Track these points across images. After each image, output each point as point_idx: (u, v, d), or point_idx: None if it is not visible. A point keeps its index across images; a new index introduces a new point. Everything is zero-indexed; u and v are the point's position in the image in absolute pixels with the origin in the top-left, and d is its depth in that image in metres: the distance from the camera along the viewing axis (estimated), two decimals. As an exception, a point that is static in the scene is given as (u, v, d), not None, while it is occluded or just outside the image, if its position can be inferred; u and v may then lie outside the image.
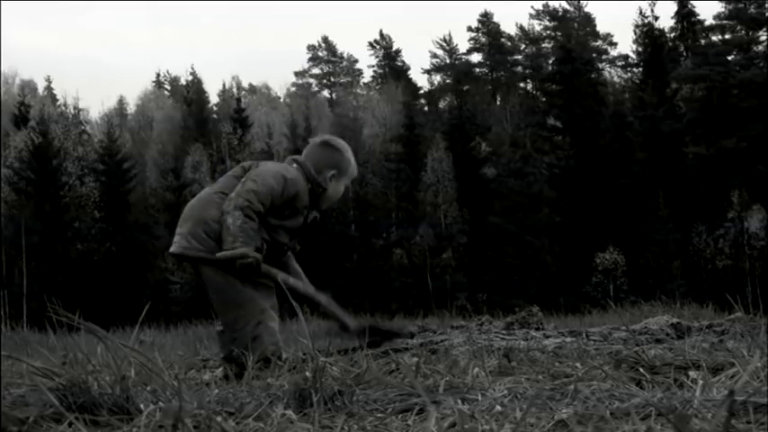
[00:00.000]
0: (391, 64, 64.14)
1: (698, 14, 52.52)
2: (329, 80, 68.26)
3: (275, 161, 3.96)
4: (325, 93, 67.78)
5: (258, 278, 3.55)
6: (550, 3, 61.17)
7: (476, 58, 62.47)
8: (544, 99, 55.23)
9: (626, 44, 75.99)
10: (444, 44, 62.50)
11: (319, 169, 3.69)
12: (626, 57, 58.13)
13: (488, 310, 22.57)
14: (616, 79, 59.49)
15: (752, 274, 42.24)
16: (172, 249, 3.64)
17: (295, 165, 3.70)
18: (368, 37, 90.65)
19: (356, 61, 67.55)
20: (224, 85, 65.76)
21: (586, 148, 48.76)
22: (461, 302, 40.11)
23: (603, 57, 60.55)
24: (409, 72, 63.87)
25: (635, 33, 53.75)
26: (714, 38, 52.45)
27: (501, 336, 5.39)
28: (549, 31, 61.43)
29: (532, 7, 79.26)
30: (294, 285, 3.64)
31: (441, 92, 62.90)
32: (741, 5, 50.20)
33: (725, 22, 51.28)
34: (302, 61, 65.03)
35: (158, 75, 69.83)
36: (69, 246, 43.48)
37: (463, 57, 62.45)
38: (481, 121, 53.30)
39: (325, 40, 68.35)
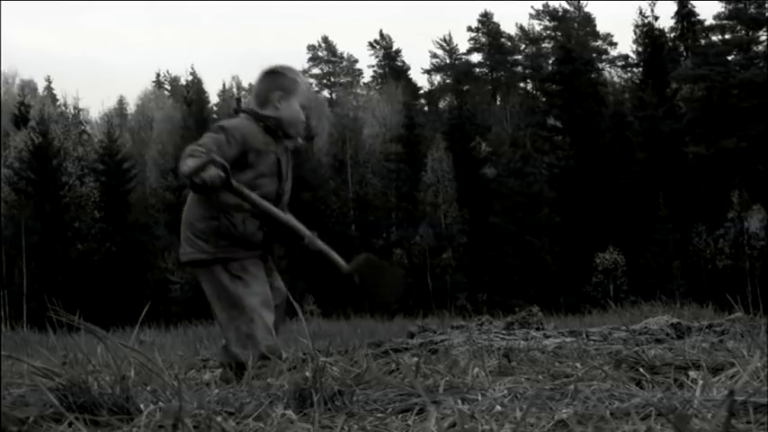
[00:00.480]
0: (391, 64, 64.14)
1: (698, 14, 52.58)
2: (329, 80, 68.22)
3: None
4: (326, 93, 67.79)
5: (233, 209, 3.45)
6: (550, 3, 61.20)
7: (476, 58, 62.53)
8: (544, 99, 55.22)
9: (626, 44, 76.00)
10: (444, 44, 62.54)
11: (264, 101, 3.62)
12: (626, 57, 58.17)
13: (488, 310, 22.57)
14: (616, 79, 59.50)
15: (752, 274, 42.25)
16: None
17: (240, 115, 3.66)
18: (368, 37, 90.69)
19: (356, 61, 67.55)
20: (224, 85, 65.82)
21: (586, 148, 48.75)
22: (461, 302, 40.13)
23: (603, 57, 60.55)
24: (409, 72, 63.91)
25: (635, 33, 53.80)
26: (714, 38, 52.46)
27: (501, 336, 5.40)
28: (549, 31, 61.42)
29: (532, 7, 79.28)
30: (270, 209, 3.50)
31: (441, 92, 62.91)
32: (741, 5, 50.21)
33: (725, 22, 51.29)
34: (302, 61, 65.01)
35: (158, 75, 69.88)
36: (69, 246, 43.48)
37: (463, 57, 62.48)
38: (481, 121, 53.31)
39: (325, 40, 68.35)
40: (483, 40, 61.85)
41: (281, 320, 3.69)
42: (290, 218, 3.57)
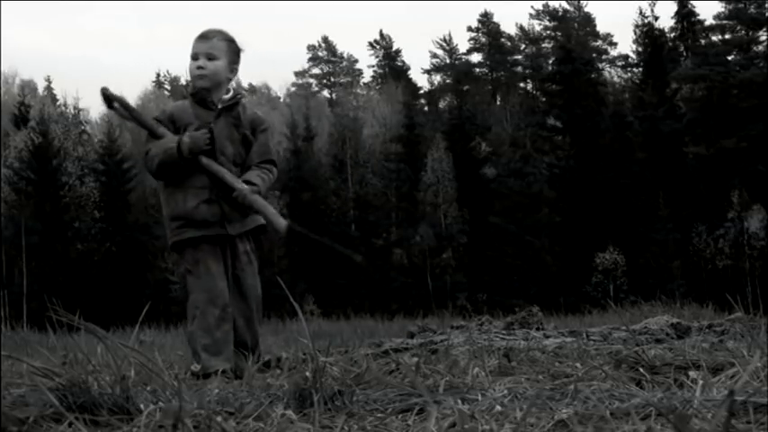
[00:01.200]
0: (391, 64, 64.13)
1: (698, 14, 52.53)
2: (329, 80, 68.25)
3: None
4: (325, 93, 67.79)
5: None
6: (550, 3, 61.19)
7: (476, 58, 62.51)
8: (544, 99, 55.21)
9: (626, 44, 76.01)
10: (444, 44, 62.51)
11: None
12: (626, 57, 58.15)
13: (488, 310, 22.59)
14: (616, 79, 59.48)
15: (752, 274, 42.24)
16: None
17: None
18: (368, 37, 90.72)
19: (356, 61, 67.58)
20: (224, 84, 65.68)
21: (586, 148, 48.75)
22: (461, 302, 40.14)
23: (603, 57, 60.54)
24: (409, 72, 63.90)
25: (635, 33, 53.78)
26: (714, 38, 52.44)
27: (501, 336, 5.40)
28: (549, 31, 61.40)
29: (532, 7, 79.20)
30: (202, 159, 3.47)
31: (441, 92, 62.89)
32: (741, 5, 50.19)
33: (725, 22, 51.27)
34: (302, 61, 65.22)
35: (158, 75, 69.94)
36: (69, 246, 43.47)
37: (463, 57, 62.45)
38: (481, 121, 53.30)
39: (325, 40, 68.38)
40: (483, 40, 61.82)
41: (251, 321, 3.56)
42: (218, 168, 3.47)
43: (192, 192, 3.49)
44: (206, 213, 3.48)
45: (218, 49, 3.65)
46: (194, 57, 3.66)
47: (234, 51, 3.72)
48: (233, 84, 3.80)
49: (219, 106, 3.63)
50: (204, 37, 3.68)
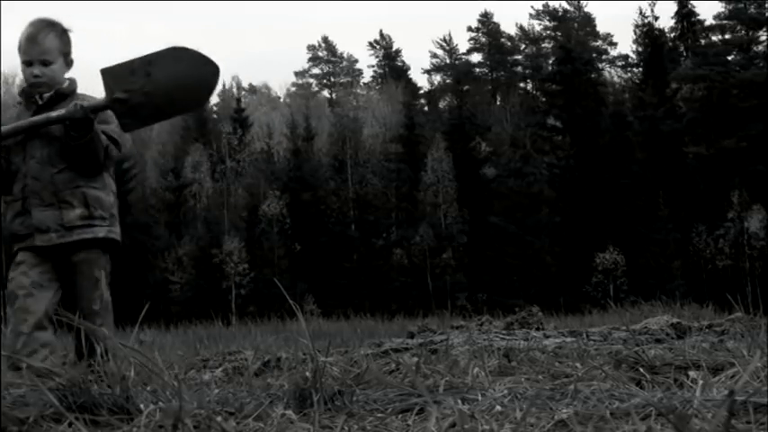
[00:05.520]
0: (391, 64, 64.12)
1: (698, 14, 52.61)
2: (329, 80, 68.25)
3: None
4: (325, 93, 67.79)
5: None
6: (550, 3, 61.20)
7: (476, 58, 62.54)
8: (544, 99, 55.24)
9: (626, 44, 76.12)
10: (444, 44, 62.54)
11: None
12: (626, 57, 58.20)
13: (488, 310, 22.59)
14: (616, 79, 59.52)
15: (752, 274, 42.26)
16: None
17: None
18: (368, 37, 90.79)
19: (356, 61, 67.58)
20: (224, 85, 65.79)
21: (586, 148, 48.77)
22: (461, 302, 40.17)
23: (603, 57, 60.56)
24: (409, 72, 63.90)
25: (635, 33, 53.85)
26: (714, 38, 52.50)
27: (501, 336, 5.40)
28: (549, 31, 61.42)
29: (532, 7, 79.35)
30: None
31: (441, 92, 62.90)
32: (741, 5, 50.22)
33: (725, 22, 51.32)
34: (302, 61, 65.28)
35: (158, 75, 69.72)
36: (69, 246, 43.46)
37: (463, 57, 62.47)
38: (481, 121, 53.32)
39: (325, 40, 68.38)
40: (483, 40, 61.83)
41: (80, 331, 3.21)
42: (27, 120, 3.29)
43: (10, 205, 3.32)
44: (18, 227, 3.29)
45: (52, 52, 3.39)
46: (27, 63, 3.39)
47: (66, 42, 3.46)
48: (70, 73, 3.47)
49: (40, 103, 3.39)
50: (33, 41, 3.39)
